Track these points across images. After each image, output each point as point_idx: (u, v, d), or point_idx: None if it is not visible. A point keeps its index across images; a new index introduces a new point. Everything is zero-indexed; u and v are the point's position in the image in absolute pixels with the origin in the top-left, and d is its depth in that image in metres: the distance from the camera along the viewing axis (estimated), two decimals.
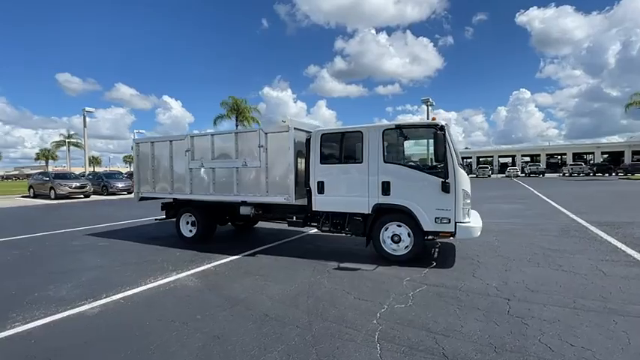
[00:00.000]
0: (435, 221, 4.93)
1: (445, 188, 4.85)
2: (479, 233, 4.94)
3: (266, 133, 6.06)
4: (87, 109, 23.87)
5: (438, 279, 4.45)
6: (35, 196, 19.90)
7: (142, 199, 7.91)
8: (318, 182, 5.74)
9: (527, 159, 58.09)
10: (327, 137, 5.74)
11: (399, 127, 5.23)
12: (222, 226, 7.98)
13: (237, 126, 31.06)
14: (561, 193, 17.79)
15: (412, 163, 5.26)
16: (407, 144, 5.59)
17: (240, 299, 3.97)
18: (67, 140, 48.72)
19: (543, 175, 42.54)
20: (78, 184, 19.23)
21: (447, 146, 4.84)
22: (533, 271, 4.73)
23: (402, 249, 5.24)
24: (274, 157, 6.04)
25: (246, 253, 6.18)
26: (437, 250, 6.04)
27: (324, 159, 5.72)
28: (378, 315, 3.39)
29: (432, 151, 4.97)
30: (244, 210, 6.76)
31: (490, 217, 9.77)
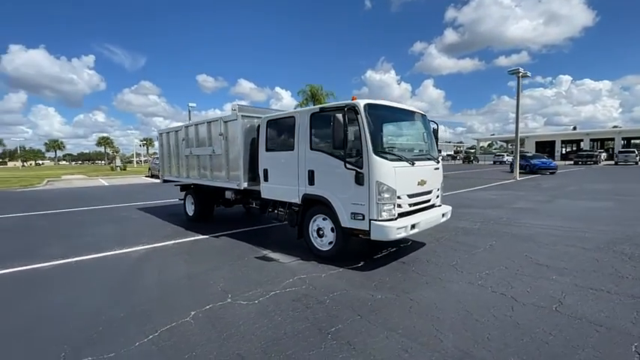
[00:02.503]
0: (351, 217, 4.31)
1: (358, 180, 4.17)
2: (397, 235, 4.06)
3: (225, 122, 6.27)
4: (190, 104, 28.57)
5: (329, 282, 3.94)
6: (152, 176, 25.23)
7: (165, 181, 9.29)
8: (264, 170, 5.68)
9: None
10: (271, 124, 5.58)
11: (322, 109, 4.68)
12: (236, 207, 8.56)
13: None
14: None
15: (333, 151, 4.61)
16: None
17: (137, 274, 4.42)
18: None
19: None
20: None
21: (360, 130, 4.12)
22: (456, 288, 3.67)
23: (326, 244, 4.79)
24: (231, 145, 6.22)
25: (216, 234, 6.64)
26: (394, 248, 5.23)
27: (269, 146, 5.59)
28: (207, 308, 3.30)
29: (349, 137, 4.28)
30: (228, 194, 7.22)
31: (542, 216, 7.73)
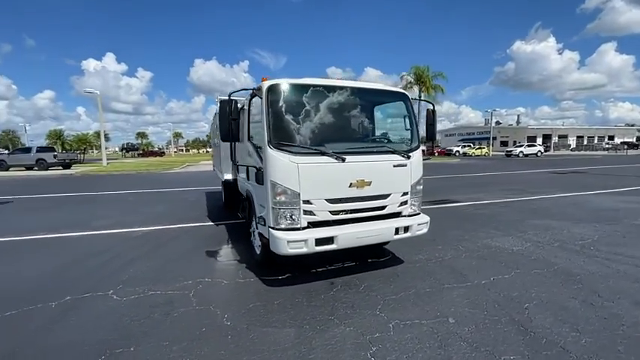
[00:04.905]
0: (257, 220, 3.65)
1: (257, 178, 3.47)
2: (290, 251, 3.14)
3: None
4: None
5: (216, 293, 3.50)
6: None
7: (214, 169, 10.22)
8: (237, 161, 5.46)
9: None
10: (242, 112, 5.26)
11: (252, 94, 4.04)
12: None
13: (419, 97, 29.18)
14: None
15: (255, 143, 3.90)
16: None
17: (103, 252, 4.96)
18: None
19: None
20: None
21: (263, 118, 3.37)
22: (329, 336, 2.59)
23: (257, 247, 4.24)
24: None
25: (220, 222, 6.92)
26: (353, 263, 4.22)
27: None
28: (82, 297, 3.40)
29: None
30: None
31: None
